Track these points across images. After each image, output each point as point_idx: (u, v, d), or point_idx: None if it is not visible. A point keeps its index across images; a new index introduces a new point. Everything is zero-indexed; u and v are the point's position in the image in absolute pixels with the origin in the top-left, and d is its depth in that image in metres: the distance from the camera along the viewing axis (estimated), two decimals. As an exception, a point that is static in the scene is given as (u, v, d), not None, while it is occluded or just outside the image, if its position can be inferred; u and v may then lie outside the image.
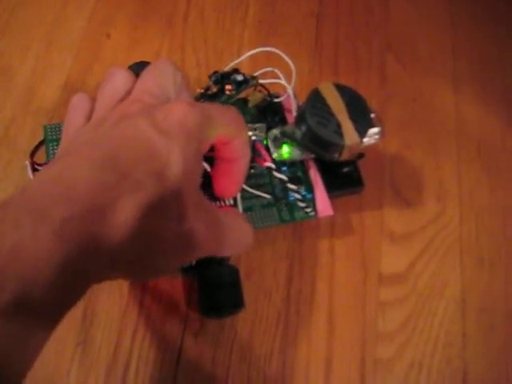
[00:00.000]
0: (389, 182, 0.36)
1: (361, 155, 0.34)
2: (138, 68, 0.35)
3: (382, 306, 0.32)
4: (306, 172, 0.33)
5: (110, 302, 0.30)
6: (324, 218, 0.33)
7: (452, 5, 0.44)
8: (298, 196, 0.31)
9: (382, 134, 0.32)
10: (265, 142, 0.32)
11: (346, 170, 0.33)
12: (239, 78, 0.32)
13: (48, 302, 0.16)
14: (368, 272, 0.33)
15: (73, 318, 0.30)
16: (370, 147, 0.32)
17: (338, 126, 0.29)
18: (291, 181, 0.32)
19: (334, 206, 0.32)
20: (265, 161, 0.31)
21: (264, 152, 0.31)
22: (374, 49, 0.41)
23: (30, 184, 0.18)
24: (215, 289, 0.29)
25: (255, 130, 0.32)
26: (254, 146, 0.31)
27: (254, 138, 0.32)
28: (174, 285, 0.31)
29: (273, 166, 0.31)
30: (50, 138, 0.32)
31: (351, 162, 0.33)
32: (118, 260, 0.19)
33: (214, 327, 0.30)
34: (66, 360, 0.29)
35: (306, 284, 0.32)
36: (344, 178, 0.33)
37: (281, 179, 0.31)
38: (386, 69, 0.40)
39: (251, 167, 0.32)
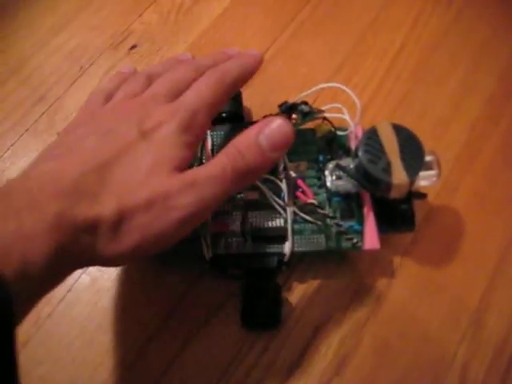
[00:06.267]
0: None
1: (421, 195, 0.34)
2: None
3: None
4: (360, 204, 0.34)
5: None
6: None
7: None
8: (341, 229, 0.32)
9: (437, 177, 0.32)
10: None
11: (401, 207, 0.34)
12: (305, 109, 0.34)
13: (41, 279, 0.20)
14: None
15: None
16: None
17: (388, 164, 0.30)
18: (344, 212, 0.33)
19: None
20: (307, 197, 0.33)
21: (306, 189, 0.33)
22: None
23: (33, 173, 0.23)
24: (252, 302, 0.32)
25: (297, 167, 0.33)
26: (295, 184, 0.33)
27: (294, 175, 0.33)
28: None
29: (315, 202, 0.32)
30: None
31: (408, 201, 0.34)
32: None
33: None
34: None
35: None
36: (397, 215, 0.34)
37: (324, 214, 0.32)
38: None
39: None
